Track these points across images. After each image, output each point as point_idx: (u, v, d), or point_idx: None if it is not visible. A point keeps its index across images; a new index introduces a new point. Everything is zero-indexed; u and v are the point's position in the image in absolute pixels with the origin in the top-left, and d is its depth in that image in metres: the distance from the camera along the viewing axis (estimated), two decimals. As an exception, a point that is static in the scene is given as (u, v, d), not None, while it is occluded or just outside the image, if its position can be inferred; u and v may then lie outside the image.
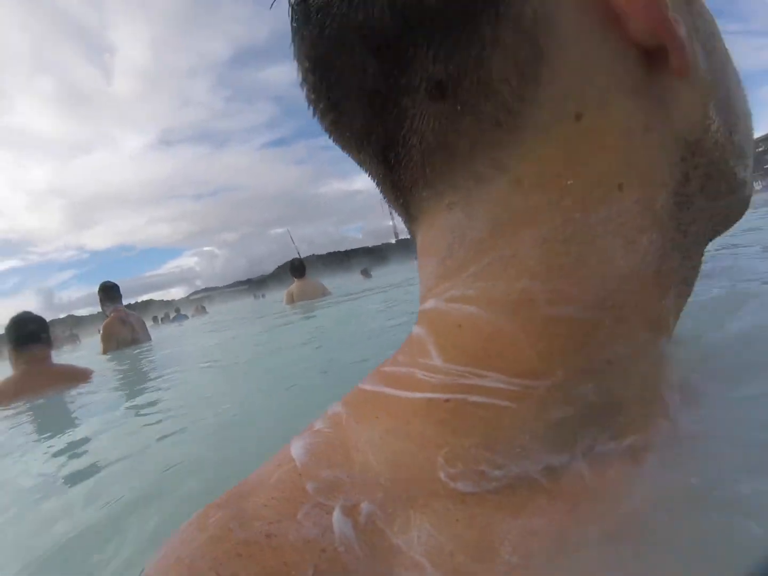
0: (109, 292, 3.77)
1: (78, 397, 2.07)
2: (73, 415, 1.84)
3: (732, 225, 0.34)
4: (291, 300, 4.94)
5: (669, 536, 0.26)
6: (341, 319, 2.84)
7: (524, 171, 0.24)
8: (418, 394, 0.25)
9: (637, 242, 0.25)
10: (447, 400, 0.25)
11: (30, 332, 2.31)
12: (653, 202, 0.25)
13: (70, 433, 1.44)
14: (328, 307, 3.63)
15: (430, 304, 0.27)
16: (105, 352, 3.58)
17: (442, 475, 0.24)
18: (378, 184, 0.30)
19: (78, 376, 2.34)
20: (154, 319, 22.94)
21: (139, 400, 1.75)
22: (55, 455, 1.25)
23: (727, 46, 0.29)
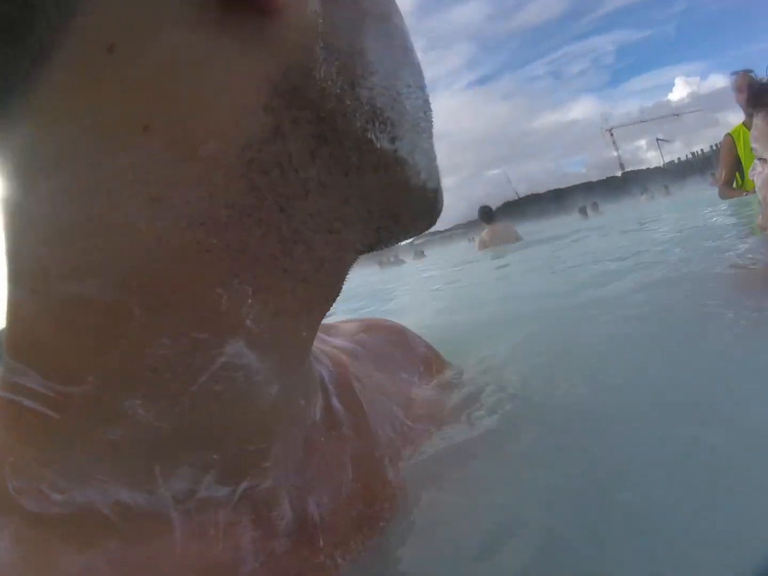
0: None
1: None
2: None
3: (411, 229, 0.29)
4: (483, 246, 5.01)
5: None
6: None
7: (50, 110, 0.20)
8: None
9: (164, 200, 0.20)
10: (9, 401, 0.21)
11: None
12: (194, 151, 0.20)
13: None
14: (514, 253, 3.54)
15: None
16: None
17: (10, 487, 0.21)
18: None
19: None
20: (379, 263, 24.64)
21: None
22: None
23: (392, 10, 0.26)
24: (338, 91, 0.23)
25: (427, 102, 0.28)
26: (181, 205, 0.20)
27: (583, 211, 11.17)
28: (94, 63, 0.19)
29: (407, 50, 0.28)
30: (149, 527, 0.22)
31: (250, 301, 0.22)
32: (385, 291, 3.57)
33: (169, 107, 0.20)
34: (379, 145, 0.25)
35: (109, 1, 0.19)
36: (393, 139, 0.25)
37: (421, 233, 0.32)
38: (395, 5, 0.28)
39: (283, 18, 0.21)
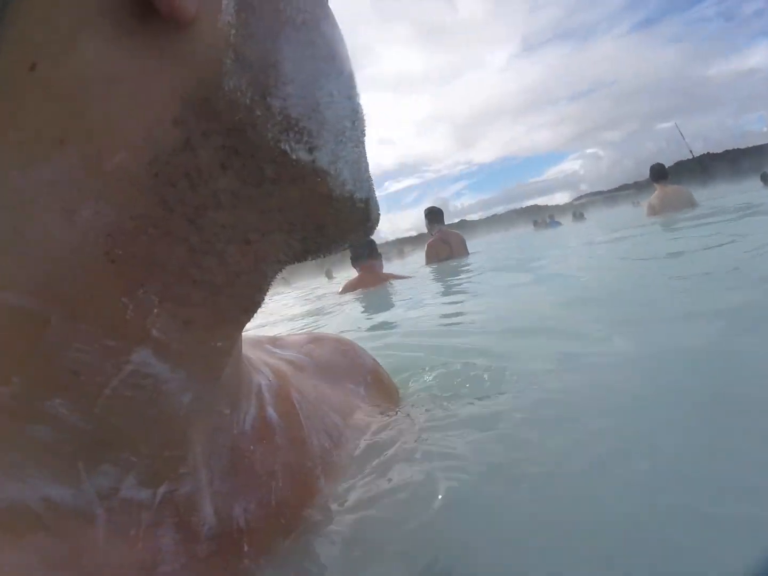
0: (435, 215, 4.51)
1: (395, 291, 2.95)
2: (390, 298, 2.68)
3: (341, 240, 0.30)
4: (653, 212, 4.48)
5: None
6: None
7: None
8: None
9: (76, 212, 0.21)
10: None
11: (361, 250, 3.33)
12: (104, 165, 0.21)
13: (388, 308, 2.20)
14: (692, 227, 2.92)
15: None
16: (427, 264, 4.43)
17: None
18: None
19: (394, 278, 3.32)
20: (535, 222, 23.66)
21: (441, 299, 2.15)
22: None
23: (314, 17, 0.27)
24: (248, 101, 0.23)
25: (355, 111, 0.29)
26: (90, 217, 0.21)
27: (765, 179, 9.11)
28: (17, 81, 0.20)
29: (333, 58, 0.28)
30: (74, 523, 0.23)
31: (156, 311, 0.23)
32: (526, 261, 3.35)
33: (83, 121, 0.21)
34: (294, 156, 0.25)
35: (31, 22, 0.20)
36: (311, 150, 0.25)
37: (356, 243, 0.34)
38: (325, 11, 0.28)
39: (195, 30, 0.22)
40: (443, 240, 4.44)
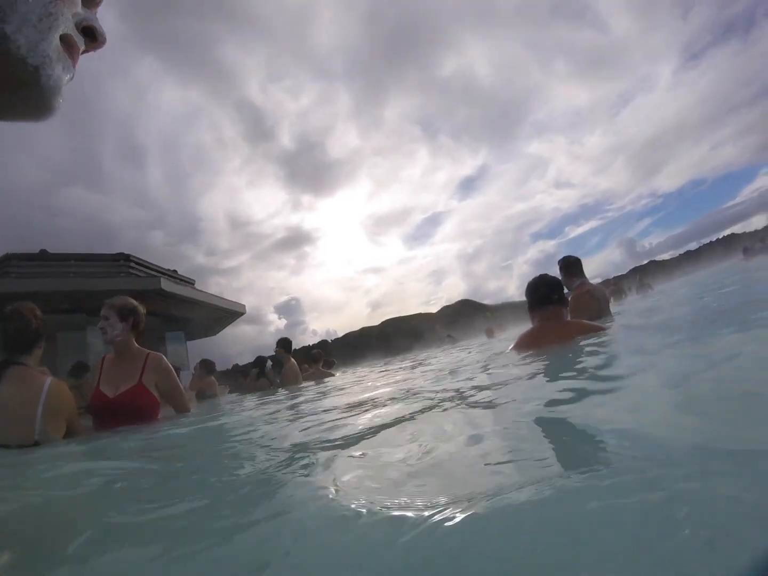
0: (572, 267, 3.98)
1: (584, 348, 2.14)
2: (579, 360, 1.87)
3: (12, 98, 0.48)
4: None
5: None
6: None
7: None
8: None
9: None
10: None
11: (543, 294, 2.67)
12: None
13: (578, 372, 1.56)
14: None
15: None
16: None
17: None
18: None
19: (588, 329, 2.50)
20: (745, 250, 18.43)
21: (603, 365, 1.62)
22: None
23: None
24: None
25: (46, 14, 0.48)
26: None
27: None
28: None
29: None
30: None
31: None
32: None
33: None
34: None
35: None
36: (2, 20, 0.45)
37: (32, 113, 0.50)
38: None
39: None
40: (591, 293, 3.87)
